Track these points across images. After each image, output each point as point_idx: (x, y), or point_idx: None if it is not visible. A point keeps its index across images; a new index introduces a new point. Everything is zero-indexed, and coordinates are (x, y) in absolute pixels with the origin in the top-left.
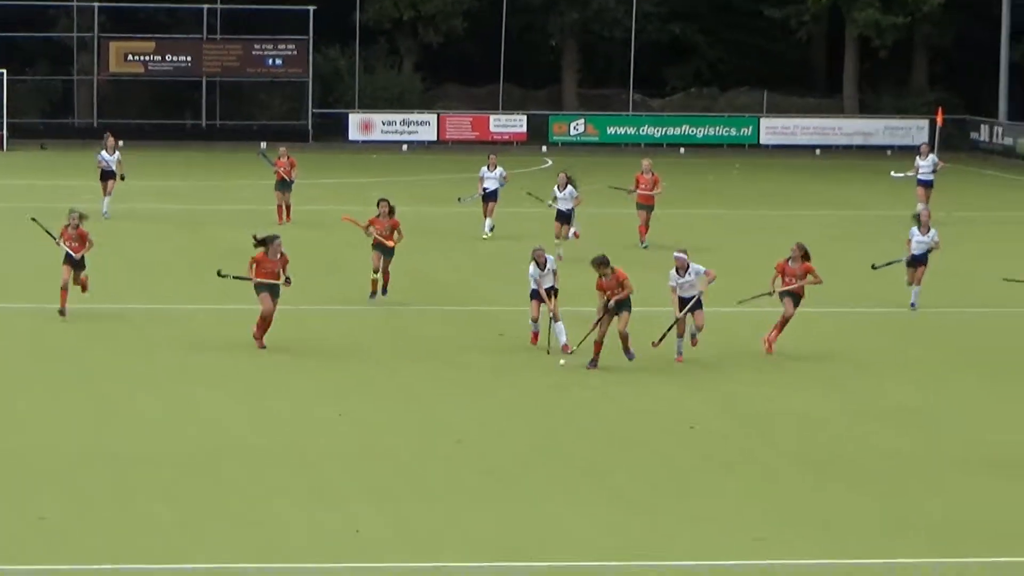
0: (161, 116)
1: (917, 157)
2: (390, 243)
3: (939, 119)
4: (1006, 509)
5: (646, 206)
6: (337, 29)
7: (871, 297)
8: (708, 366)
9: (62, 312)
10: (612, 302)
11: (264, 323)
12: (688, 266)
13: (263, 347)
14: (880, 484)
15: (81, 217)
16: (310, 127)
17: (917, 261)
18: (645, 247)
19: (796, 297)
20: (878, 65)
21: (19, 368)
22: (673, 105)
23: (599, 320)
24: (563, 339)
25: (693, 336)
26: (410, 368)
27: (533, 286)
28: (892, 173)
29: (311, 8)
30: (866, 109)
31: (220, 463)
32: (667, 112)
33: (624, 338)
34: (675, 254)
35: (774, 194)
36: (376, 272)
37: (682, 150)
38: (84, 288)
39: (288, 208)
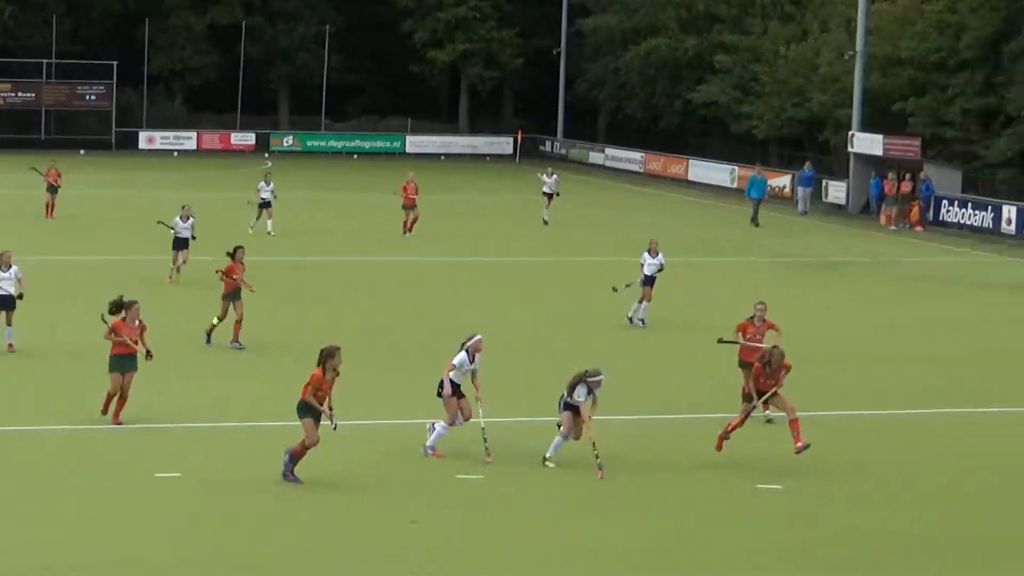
0: (14, 133)
1: (543, 175)
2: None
3: (519, 137)
4: None
5: (409, 207)
6: (132, 75)
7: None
8: None
9: None
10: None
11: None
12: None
13: (120, 423)
14: None
15: None
16: (113, 141)
17: (648, 282)
18: (410, 235)
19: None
20: (482, 102)
21: None
22: (351, 126)
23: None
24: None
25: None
26: None
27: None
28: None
29: (114, 62)
30: (474, 130)
31: None
32: (347, 131)
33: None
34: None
35: (422, 186)
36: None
37: (355, 156)
38: None
39: (53, 207)
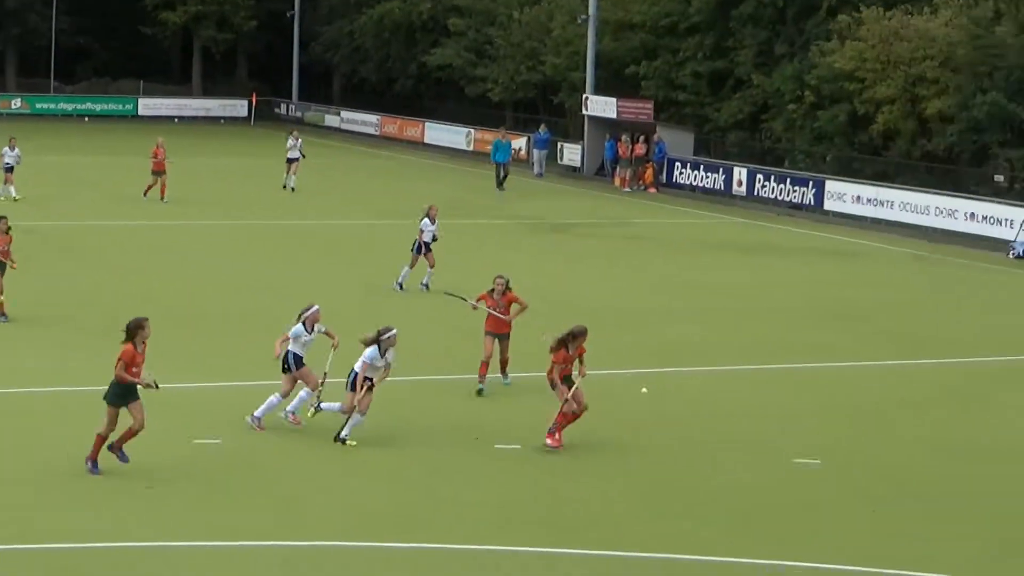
0: None
1: (289, 138)
2: None
3: (254, 100)
4: None
5: (158, 172)
6: None
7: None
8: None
9: None
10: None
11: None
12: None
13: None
14: None
15: None
16: None
17: (426, 248)
18: (165, 202)
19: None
20: (216, 64)
21: None
22: (81, 89)
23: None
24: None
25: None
26: None
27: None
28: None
29: None
30: (208, 93)
31: None
32: (77, 94)
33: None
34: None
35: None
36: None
37: (86, 119)
38: None
39: None
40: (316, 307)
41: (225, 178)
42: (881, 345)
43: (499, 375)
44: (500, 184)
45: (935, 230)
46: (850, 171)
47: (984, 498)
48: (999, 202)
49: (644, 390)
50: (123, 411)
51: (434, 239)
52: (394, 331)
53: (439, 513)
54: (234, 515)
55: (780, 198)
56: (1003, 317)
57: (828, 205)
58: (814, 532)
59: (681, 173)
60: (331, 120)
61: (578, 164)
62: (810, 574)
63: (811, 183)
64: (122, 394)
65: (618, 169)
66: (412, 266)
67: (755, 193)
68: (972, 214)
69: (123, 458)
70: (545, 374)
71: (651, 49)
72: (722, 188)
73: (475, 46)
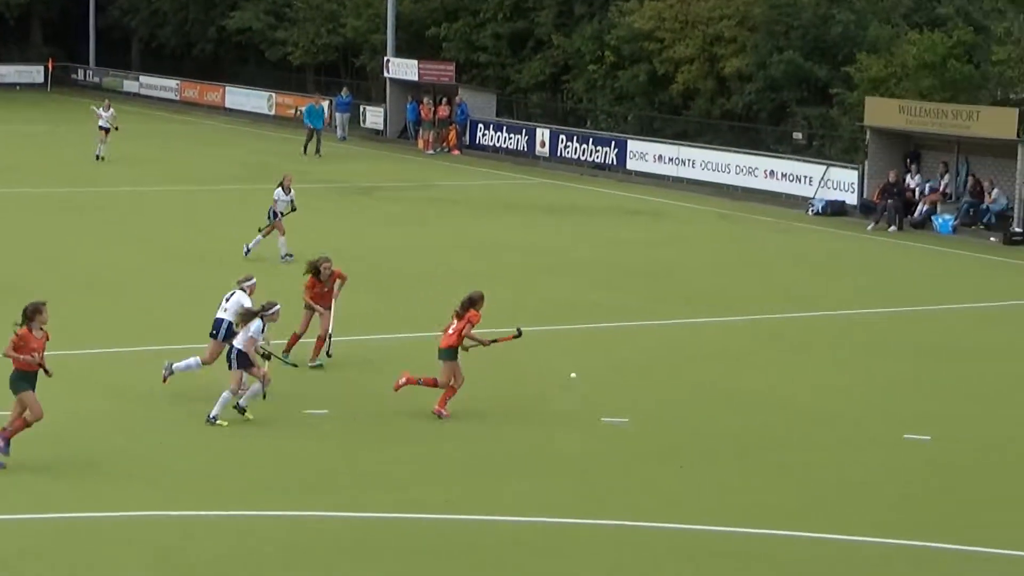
0: None
1: (98, 109)
2: None
3: (51, 65)
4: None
5: None
6: None
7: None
8: None
9: None
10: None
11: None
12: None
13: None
14: None
15: None
16: None
17: (278, 216)
18: None
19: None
20: (9, 29)
21: None
22: None
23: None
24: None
25: None
26: None
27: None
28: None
29: None
30: (2, 59)
31: None
32: None
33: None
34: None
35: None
36: None
37: None
38: None
39: None
40: (254, 279)
41: (26, 146)
42: (678, 302)
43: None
44: (317, 150)
45: (736, 188)
46: (651, 131)
47: (788, 450)
48: (798, 159)
49: (573, 375)
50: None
51: (293, 209)
52: (278, 306)
53: (245, 478)
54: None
55: (583, 158)
56: (801, 273)
57: (631, 165)
58: (625, 489)
59: (484, 135)
60: (130, 85)
61: (381, 127)
62: (627, 532)
63: (613, 143)
64: (16, 380)
65: (421, 131)
66: (265, 234)
67: (558, 154)
68: (772, 172)
69: (4, 450)
70: (455, 342)
71: (451, 11)
72: (525, 149)
73: (274, 9)
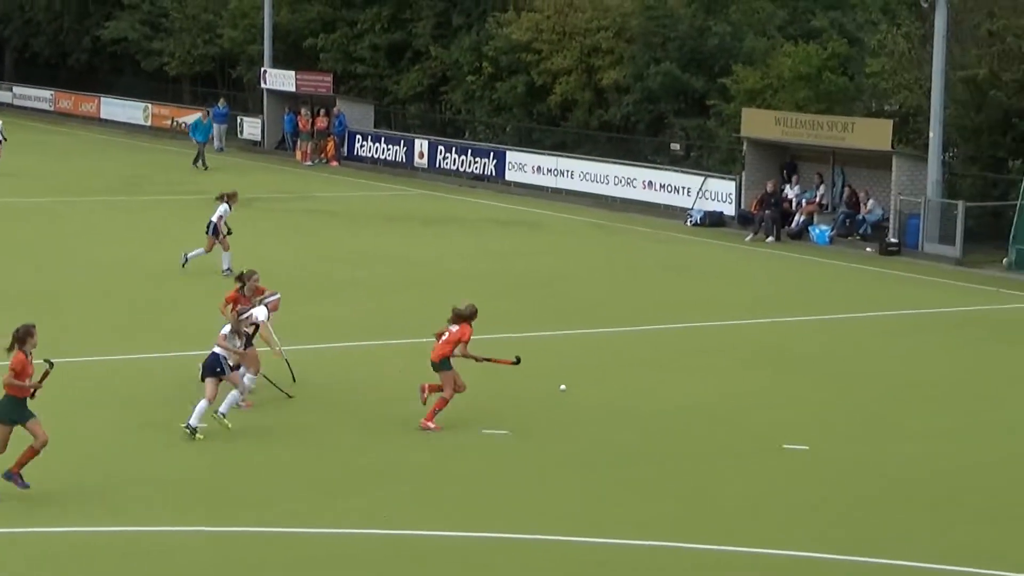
0: None
1: None
2: None
3: None
4: None
5: None
6: None
7: None
8: None
9: None
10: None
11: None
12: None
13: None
14: None
15: None
16: None
17: (215, 229)
18: None
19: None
20: None
21: None
22: None
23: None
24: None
25: None
26: None
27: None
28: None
29: None
30: None
31: None
32: None
33: None
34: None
35: None
36: None
37: None
38: None
39: None
40: (277, 295)
41: None
42: (556, 314)
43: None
44: (203, 164)
45: (615, 199)
46: (530, 142)
47: (667, 461)
48: (676, 170)
49: (563, 387)
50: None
51: (227, 232)
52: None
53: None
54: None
55: (462, 170)
56: (679, 284)
57: (509, 176)
58: (508, 502)
59: (362, 146)
60: (2, 96)
61: (259, 138)
62: (509, 545)
63: (492, 154)
64: (14, 408)
65: (299, 143)
66: (208, 249)
67: (437, 165)
68: (650, 182)
69: (22, 484)
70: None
71: (328, 22)
72: (404, 161)
73: (150, 19)
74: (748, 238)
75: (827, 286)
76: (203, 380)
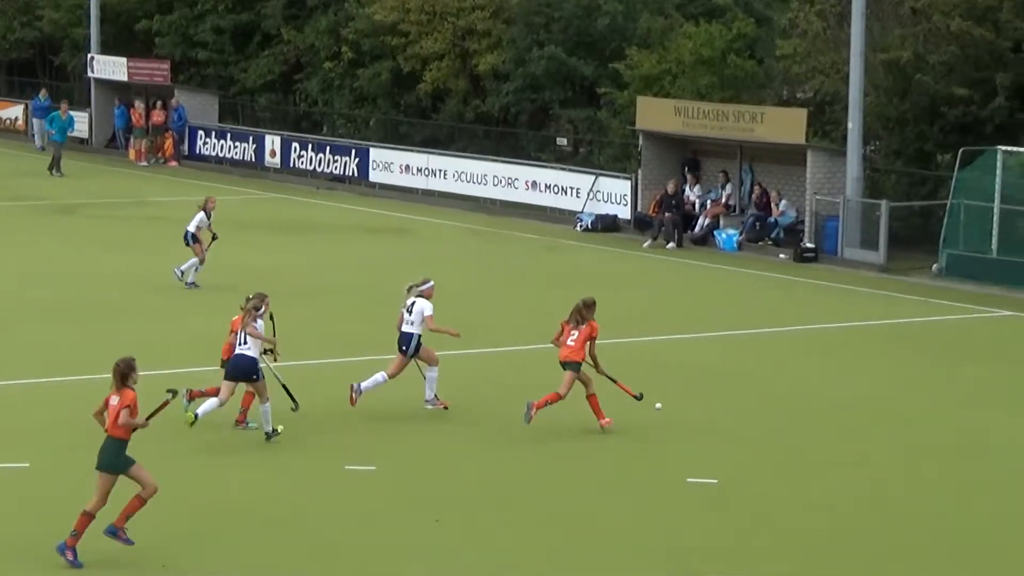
0: None
1: None
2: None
3: None
4: None
5: None
6: None
7: None
8: None
9: None
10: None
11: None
12: None
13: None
14: None
15: None
16: None
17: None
18: None
19: None
20: None
21: None
22: None
23: None
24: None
25: None
26: None
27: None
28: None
29: None
30: None
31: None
32: None
33: None
34: None
35: None
36: None
37: None
38: None
39: None
40: (432, 282)
41: None
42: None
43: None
44: (58, 168)
45: (495, 202)
46: (397, 137)
47: (555, 496)
48: (563, 168)
49: (658, 406)
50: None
51: (214, 237)
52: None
53: None
54: None
55: (320, 170)
56: (566, 297)
57: (374, 176)
58: (371, 543)
59: (205, 143)
60: None
61: (86, 135)
62: None
63: (354, 152)
64: (119, 454)
65: (132, 140)
66: (202, 260)
67: (291, 164)
68: (534, 183)
69: (126, 540)
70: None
71: (165, 1)
72: (253, 159)
73: None
74: (646, 244)
75: (735, 297)
76: (232, 381)
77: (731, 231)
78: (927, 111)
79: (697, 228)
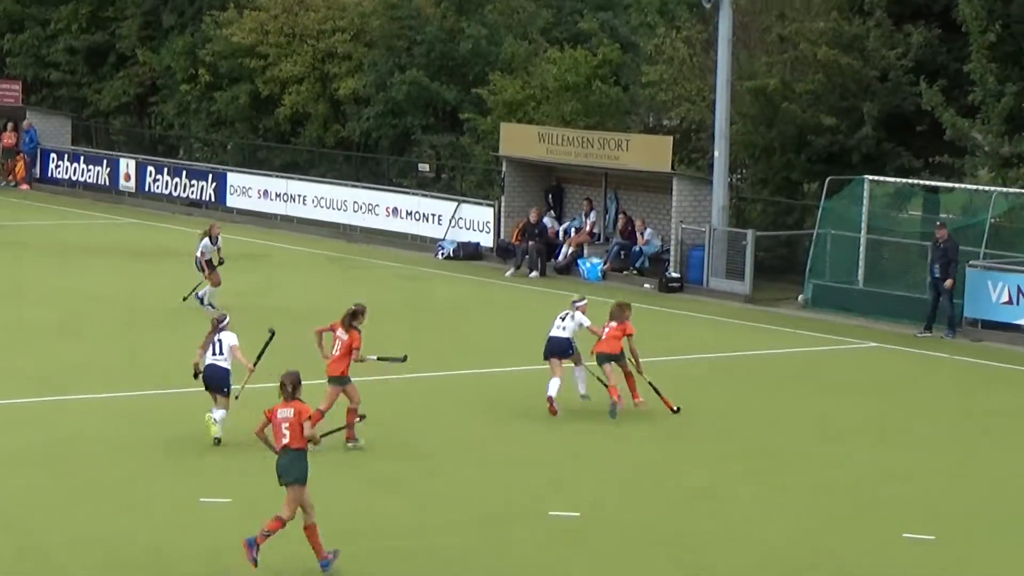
0: None
1: None
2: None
3: None
4: None
5: None
6: None
7: None
8: None
9: None
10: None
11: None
12: None
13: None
14: None
15: None
16: None
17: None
18: None
19: None
20: None
21: None
22: None
23: None
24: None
25: None
26: None
27: None
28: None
29: None
30: None
31: None
32: None
33: None
34: None
35: None
36: None
37: None
38: None
39: None
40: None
41: None
42: (277, 365)
43: None
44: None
45: (354, 228)
46: (255, 162)
47: (414, 536)
48: (425, 195)
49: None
50: None
51: (220, 261)
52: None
53: None
54: None
55: (176, 194)
56: (427, 327)
57: (231, 202)
58: None
59: (58, 166)
60: None
61: None
62: None
63: (211, 176)
64: (300, 463)
65: None
66: (214, 284)
67: (147, 188)
68: (395, 209)
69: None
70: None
71: (17, 20)
72: (107, 183)
73: None
74: (508, 273)
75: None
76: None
77: (595, 260)
78: (794, 140)
79: (560, 257)
